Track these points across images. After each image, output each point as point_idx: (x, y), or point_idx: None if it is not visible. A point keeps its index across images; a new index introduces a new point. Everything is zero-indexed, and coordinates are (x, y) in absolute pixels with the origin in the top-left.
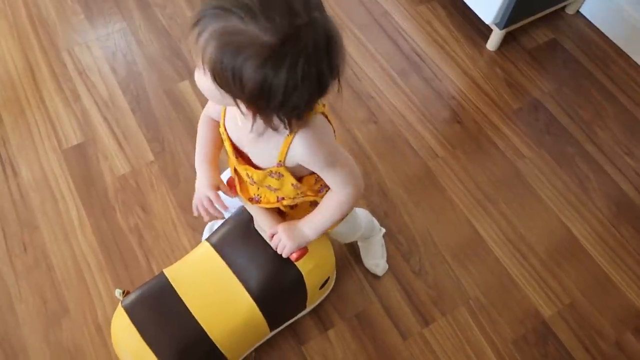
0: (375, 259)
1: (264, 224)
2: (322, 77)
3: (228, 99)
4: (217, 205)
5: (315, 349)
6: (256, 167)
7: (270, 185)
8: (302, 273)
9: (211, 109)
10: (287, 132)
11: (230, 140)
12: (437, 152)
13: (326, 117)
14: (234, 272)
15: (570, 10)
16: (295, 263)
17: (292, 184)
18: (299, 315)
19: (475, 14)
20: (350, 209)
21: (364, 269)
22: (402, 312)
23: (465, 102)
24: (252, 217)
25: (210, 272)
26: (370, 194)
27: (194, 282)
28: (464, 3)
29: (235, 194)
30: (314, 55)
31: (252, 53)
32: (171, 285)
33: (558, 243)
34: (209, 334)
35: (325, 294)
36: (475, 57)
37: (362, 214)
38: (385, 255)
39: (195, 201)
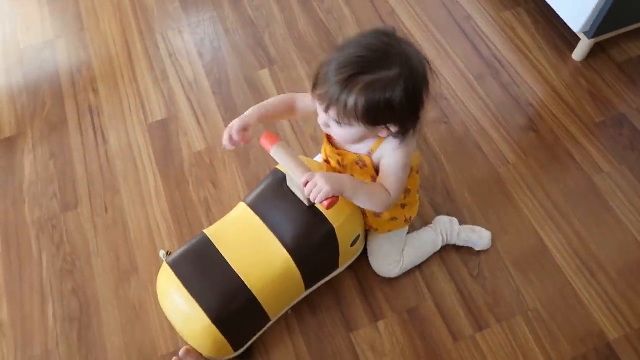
0: (451, 235)
1: (298, 173)
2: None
3: (374, 130)
4: (234, 134)
5: (364, 338)
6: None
7: (353, 175)
8: (334, 226)
9: (301, 103)
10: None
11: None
12: (509, 159)
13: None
14: (269, 227)
15: None
16: (327, 217)
17: (372, 177)
18: (333, 274)
19: (563, 22)
20: (378, 206)
21: (420, 266)
22: (455, 314)
23: (544, 111)
24: (284, 177)
25: (247, 228)
26: (434, 194)
27: (233, 238)
28: (552, 10)
29: (245, 142)
30: (418, 78)
31: (391, 85)
32: (211, 242)
33: (632, 264)
34: (247, 284)
35: (357, 254)
36: (558, 66)
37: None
38: (478, 229)
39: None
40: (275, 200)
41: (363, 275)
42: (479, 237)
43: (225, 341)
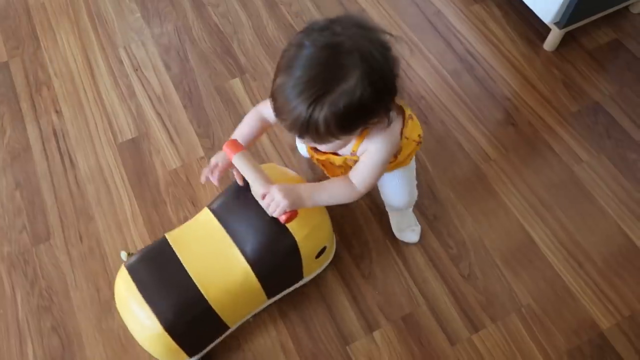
0: (411, 225)
1: (257, 184)
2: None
3: (354, 134)
4: (215, 175)
5: (361, 350)
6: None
7: (349, 165)
8: (296, 239)
9: (268, 113)
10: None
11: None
12: (490, 155)
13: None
14: (231, 236)
15: (634, 10)
16: (290, 229)
17: None
18: (297, 285)
19: (533, 13)
20: (349, 200)
21: (412, 271)
22: (450, 317)
23: (520, 104)
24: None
25: (208, 236)
26: (420, 196)
27: (193, 245)
28: (522, 2)
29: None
30: (380, 66)
31: (355, 92)
32: (171, 247)
33: (617, 252)
34: (204, 294)
35: (324, 265)
36: (531, 58)
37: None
38: (418, 224)
39: (212, 159)
40: (239, 207)
41: (355, 286)
42: (412, 230)
43: (179, 348)
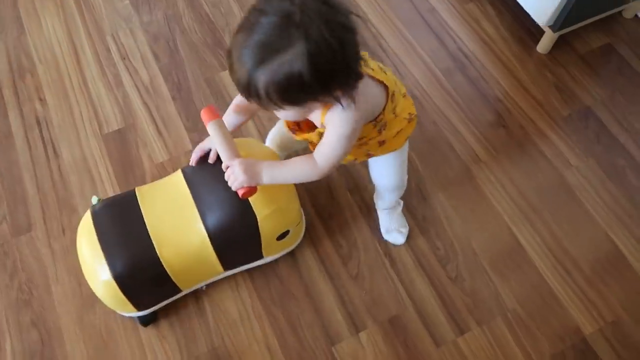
0: (399, 227)
1: (224, 156)
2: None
3: (311, 104)
4: (196, 153)
5: (347, 351)
6: (311, 129)
7: None
8: (258, 218)
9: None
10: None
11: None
12: (480, 157)
13: (373, 76)
14: (196, 202)
15: (627, 15)
16: (252, 206)
17: None
18: (257, 263)
19: (527, 14)
20: (312, 179)
21: (399, 272)
22: (436, 319)
23: (512, 106)
24: None
25: (175, 197)
26: (409, 196)
27: (158, 203)
28: (516, 2)
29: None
30: (328, 41)
31: (295, 62)
32: (137, 201)
33: (603, 258)
34: (158, 254)
35: (288, 248)
36: (524, 59)
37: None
38: (407, 225)
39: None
40: (210, 176)
41: (342, 286)
42: (399, 232)
43: (126, 300)
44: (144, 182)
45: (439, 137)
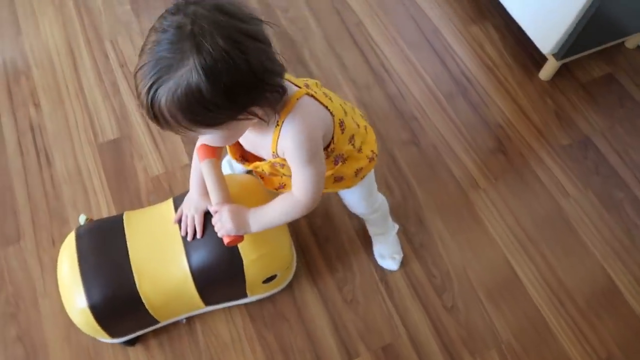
0: (392, 253)
1: (213, 198)
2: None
3: (233, 125)
4: (197, 227)
5: None
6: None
7: (284, 174)
8: (244, 261)
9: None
10: (275, 123)
11: (238, 146)
12: (479, 183)
13: (316, 98)
14: (182, 236)
15: (630, 45)
16: (240, 249)
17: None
18: (241, 301)
19: (530, 41)
20: (299, 215)
21: (394, 299)
22: (430, 349)
23: (512, 132)
24: None
25: (162, 228)
26: (407, 222)
27: (144, 231)
28: (520, 28)
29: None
30: (219, 62)
31: (188, 81)
32: (123, 227)
33: (599, 292)
34: (137, 286)
35: (273, 290)
36: (525, 85)
37: (380, 196)
38: (401, 252)
39: (183, 212)
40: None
41: (336, 311)
42: (392, 258)
43: (99, 328)
44: (138, 196)
45: (438, 161)
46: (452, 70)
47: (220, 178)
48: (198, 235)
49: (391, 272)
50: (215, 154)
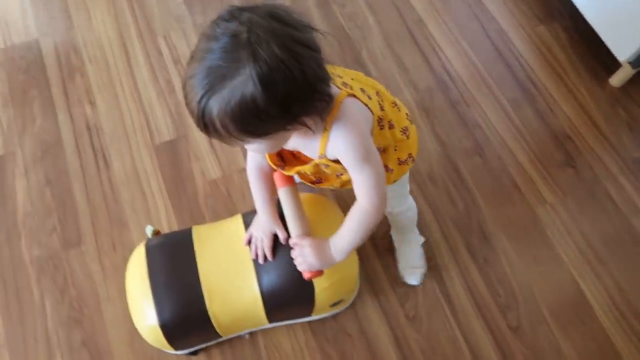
0: (414, 265)
1: (292, 229)
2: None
3: (281, 135)
4: (266, 251)
5: None
6: (303, 163)
7: (328, 173)
8: (315, 289)
9: (257, 159)
10: (323, 128)
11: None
12: (547, 198)
13: (357, 97)
14: (253, 258)
15: None
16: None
17: (337, 174)
18: (302, 320)
19: (603, 46)
20: (375, 224)
21: (458, 318)
22: None
23: (582, 145)
24: None
25: (232, 248)
26: (470, 236)
27: (214, 250)
28: (592, 31)
29: (286, 240)
30: (275, 72)
31: (243, 91)
32: (192, 243)
33: None
34: (207, 305)
35: (337, 311)
36: (596, 93)
37: (410, 199)
38: (425, 265)
39: (252, 235)
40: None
41: (399, 327)
42: (412, 271)
43: (166, 343)
44: (196, 200)
45: (503, 173)
46: (517, 74)
47: (300, 208)
48: (269, 258)
49: (412, 286)
50: (291, 181)
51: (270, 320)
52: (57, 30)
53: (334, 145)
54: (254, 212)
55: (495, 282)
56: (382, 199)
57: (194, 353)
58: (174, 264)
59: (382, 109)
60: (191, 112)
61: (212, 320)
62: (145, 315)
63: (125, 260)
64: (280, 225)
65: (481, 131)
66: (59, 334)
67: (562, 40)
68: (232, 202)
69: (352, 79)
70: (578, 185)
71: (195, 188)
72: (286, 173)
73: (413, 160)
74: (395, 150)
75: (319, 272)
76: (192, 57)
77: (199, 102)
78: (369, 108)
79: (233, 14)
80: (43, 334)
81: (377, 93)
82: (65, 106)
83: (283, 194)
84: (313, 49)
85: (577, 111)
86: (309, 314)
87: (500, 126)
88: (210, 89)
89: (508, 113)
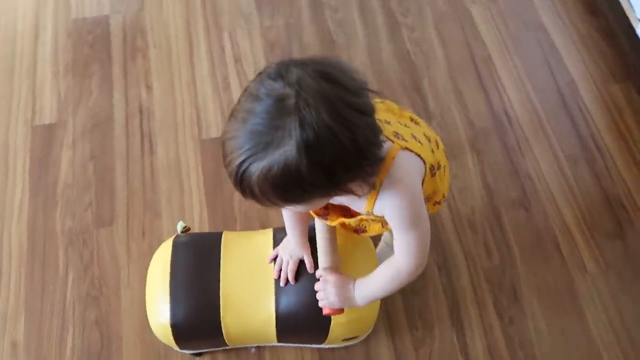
0: None
1: (321, 261)
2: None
3: (321, 200)
4: (289, 275)
5: None
6: (347, 215)
7: (370, 223)
8: (332, 322)
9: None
10: (372, 187)
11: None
12: (587, 267)
13: (409, 149)
14: (275, 278)
15: None
16: None
17: (383, 224)
18: (312, 346)
19: None
20: (407, 283)
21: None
22: None
23: (636, 217)
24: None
25: (257, 262)
26: (500, 293)
27: (239, 260)
28: None
29: (312, 269)
30: (323, 142)
31: (287, 163)
32: (220, 248)
33: None
34: (222, 319)
35: (349, 344)
36: None
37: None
38: None
39: (279, 254)
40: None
41: None
42: None
43: (174, 342)
44: (230, 203)
45: (546, 231)
46: (580, 130)
47: (333, 240)
48: (291, 282)
49: None
50: None
51: (280, 340)
52: (128, 10)
53: (382, 206)
54: (283, 229)
55: (517, 346)
56: (421, 262)
57: (199, 354)
58: (198, 266)
59: (432, 151)
60: (229, 174)
61: (223, 330)
62: (159, 311)
63: (151, 249)
64: (309, 252)
65: (531, 183)
66: (76, 308)
67: (634, 102)
68: (265, 212)
69: (399, 123)
70: (624, 260)
71: (232, 191)
72: (329, 224)
73: (445, 199)
74: (435, 192)
75: (339, 311)
76: (232, 115)
77: (239, 166)
78: (421, 158)
79: (280, 73)
80: (60, 305)
81: (424, 134)
82: (123, 85)
83: (320, 223)
84: (367, 113)
85: (637, 181)
86: (320, 343)
87: (552, 181)
88: (252, 156)
89: (563, 169)
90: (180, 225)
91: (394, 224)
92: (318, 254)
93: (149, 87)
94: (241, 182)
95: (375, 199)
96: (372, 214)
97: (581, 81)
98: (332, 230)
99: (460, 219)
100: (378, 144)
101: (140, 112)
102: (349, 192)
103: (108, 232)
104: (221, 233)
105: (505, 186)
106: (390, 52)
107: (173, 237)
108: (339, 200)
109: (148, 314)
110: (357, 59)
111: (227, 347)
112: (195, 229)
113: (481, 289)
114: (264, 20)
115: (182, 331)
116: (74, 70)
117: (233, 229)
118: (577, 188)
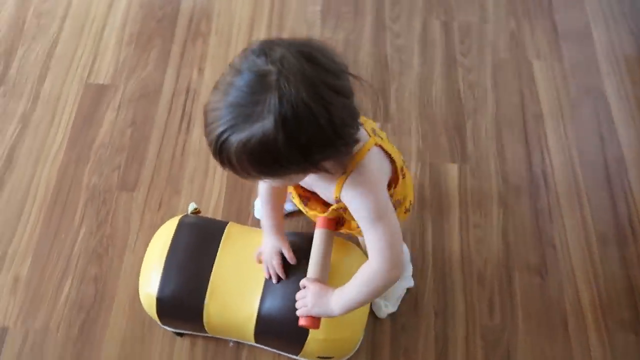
0: (387, 300)
1: (310, 270)
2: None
3: (296, 176)
4: (277, 269)
5: None
6: (324, 206)
7: (347, 218)
8: (308, 336)
9: (266, 186)
10: (342, 171)
11: (301, 189)
12: (593, 353)
13: (382, 147)
14: (265, 279)
15: None
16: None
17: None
18: (289, 356)
19: None
20: (385, 287)
21: None
22: None
23: None
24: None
25: (253, 258)
26: (493, 353)
27: (237, 253)
28: None
29: (293, 259)
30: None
31: (265, 134)
32: (221, 238)
33: None
34: (205, 303)
35: None
36: None
37: (405, 247)
38: (396, 306)
39: (262, 257)
40: (298, 257)
41: None
42: (385, 304)
43: (156, 315)
44: (248, 196)
45: (557, 304)
46: (619, 210)
47: (328, 254)
48: (282, 277)
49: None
50: (332, 225)
51: (257, 341)
52: None
53: (348, 194)
54: (289, 234)
55: None
56: (395, 261)
57: (180, 335)
58: (196, 249)
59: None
60: (209, 143)
61: (204, 316)
62: (149, 282)
63: (163, 222)
64: (287, 245)
65: (554, 252)
66: (80, 260)
67: None
68: None
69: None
70: (634, 356)
71: (251, 187)
72: (306, 213)
73: (412, 206)
74: (405, 198)
75: (315, 324)
76: (216, 87)
77: (219, 136)
78: (392, 159)
79: (264, 50)
80: (67, 254)
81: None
82: (177, 64)
83: (318, 236)
84: (345, 95)
85: None
86: (295, 354)
87: (576, 255)
88: (232, 127)
89: (591, 245)
90: (191, 206)
91: (360, 217)
92: (309, 264)
93: (201, 70)
94: (220, 151)
95: (343, 184)
96: (341, 200)
97: (631, 160)
98: (329, 245)
99: (470, 269)
100: (354, 126)
101: (187, 91)
102: (322, 169)
103: (128, 196)
104: (226, 223)
105: (525, 249)
106: (441, 87)
107: (181, 215)
108: (309, 182)
109: (139, 281)
110: (406, 86)
111: (207, 335)
112: (208, 214)
113: (474, 345)
114: (325, 32)
115: (166, 307)
116: (137, 41)
117: (244, 223)
118: (601, 268)
